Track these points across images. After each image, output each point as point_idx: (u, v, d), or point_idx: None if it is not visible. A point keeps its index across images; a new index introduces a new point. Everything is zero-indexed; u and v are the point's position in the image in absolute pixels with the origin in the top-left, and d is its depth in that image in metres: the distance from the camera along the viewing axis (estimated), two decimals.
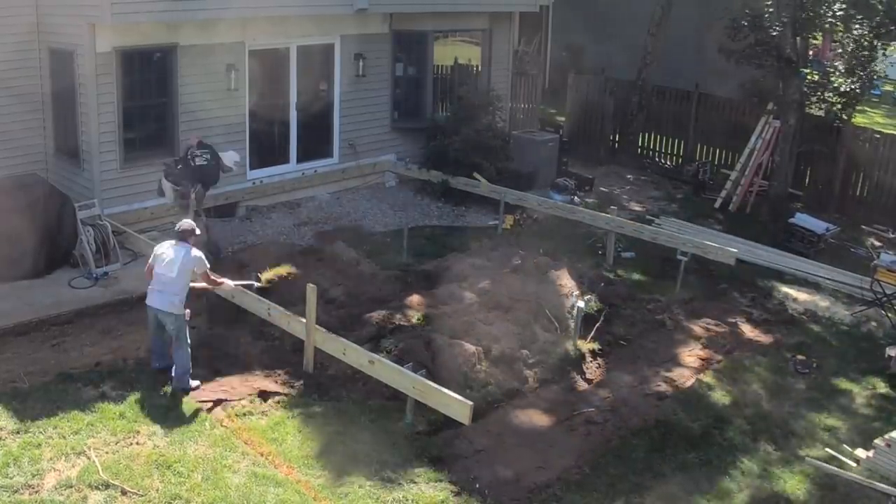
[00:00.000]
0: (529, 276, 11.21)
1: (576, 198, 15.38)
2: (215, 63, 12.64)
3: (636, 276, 12.47)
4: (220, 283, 9.10)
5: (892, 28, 15.12)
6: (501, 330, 9.79)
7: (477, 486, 7.62)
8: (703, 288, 12.19)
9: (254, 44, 13.19)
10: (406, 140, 15.58)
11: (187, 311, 8.61)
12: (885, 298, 11.53)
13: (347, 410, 8.55)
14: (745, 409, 9.24)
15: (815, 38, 18.25)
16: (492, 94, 15.99)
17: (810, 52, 18.19)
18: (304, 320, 9.02)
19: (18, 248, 10.35)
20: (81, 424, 7.81)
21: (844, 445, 8.69)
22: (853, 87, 15.85)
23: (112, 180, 11.91)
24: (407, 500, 7.32)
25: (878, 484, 7.95)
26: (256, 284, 10.03)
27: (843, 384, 9.95)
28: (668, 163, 18.61)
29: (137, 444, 7.66)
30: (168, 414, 8.15)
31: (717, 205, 16.05)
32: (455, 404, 7.84)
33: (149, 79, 12.22)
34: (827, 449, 8.63)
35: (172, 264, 8.45)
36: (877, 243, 14.47)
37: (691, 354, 10.32)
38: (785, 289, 12.44)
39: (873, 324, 11.52)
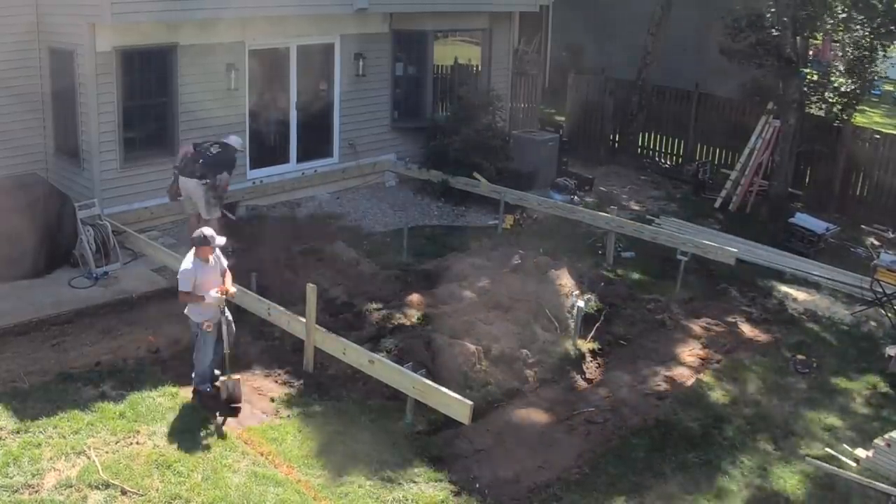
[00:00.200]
0: (529, 275, 11.21)
1: (575, 197, 15.38)
2: (215, 63, 12.64)
3: (636, 276, 12.47)
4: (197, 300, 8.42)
5: (893, 28, 15.11)
6: (501, 330, 9.79)
7: (477, 485, 7.62)
8: (703, 288, 12.19)
9: (254, 43, 13.19)
10: (406, 140, 15.58)
11: (205, 322, 8.29)
12: (885, 298, 11.53)
13: (347, 410, 8.55)
14: (745, 408, 9.24)
15: (815, 39, 18.23)
16: (492, 94, 15.99)
17: (810, 52, 18.18)
18: (304, 320, 9.03)
19: (18, 247, 10.35)
20: (81, 424, 7.81)
21: (844, 445, 8.69)
22: (853, 87, 15.84)
23: (112, 180, 11.91)
24: (407, 499, 7.33)
25: (877, 484, 7.95)
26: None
27: (843, 384, 9.95)
28: (668, 162, 18.61)
29: (137, 443, 7.66)
30: (168, 414, 8.16)
31: (717, 204, 16.05)
32: (455, 404, 7.85)
33: (149, 78, 12.22)
34: (827, 449, 8.63)
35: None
36: (876, 243, 14.46)
37: (691, 354, 10.32)
38: (785, 288, 12.44)
39: (873, 323, 11.52)
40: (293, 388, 8.91)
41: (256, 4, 12.49)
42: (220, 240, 8.42)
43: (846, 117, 16.18)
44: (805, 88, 15.87)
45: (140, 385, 8.55)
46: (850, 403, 9.57)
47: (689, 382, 9.69)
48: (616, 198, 16.11)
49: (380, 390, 8.75)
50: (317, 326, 9.01)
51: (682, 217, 15.07)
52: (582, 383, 9.56)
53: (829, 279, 12.72)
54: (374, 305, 10.36)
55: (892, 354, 10.39)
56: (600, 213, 13.31)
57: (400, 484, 7.49)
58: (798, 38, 15.38)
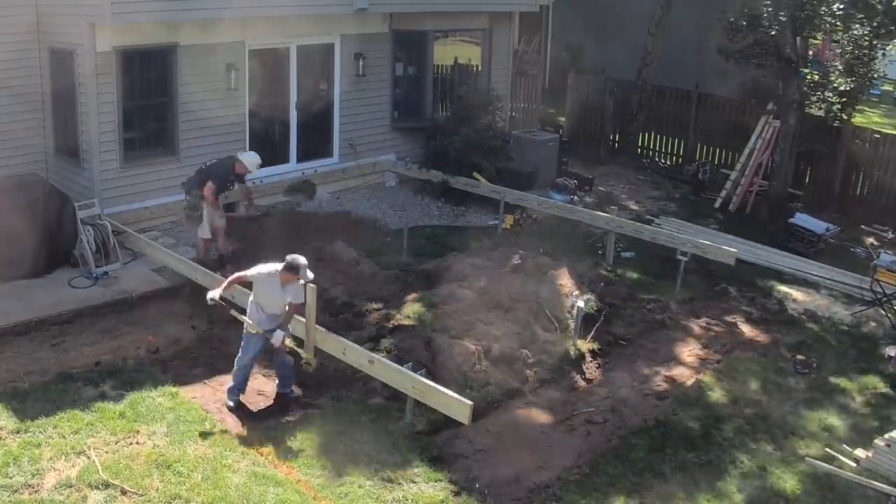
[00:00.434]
0: (529, 275, 11.21)
1: (575, 197, 15.38)
2: (215, 63, 12.64)
3: (636, 276, 12.47)
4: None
5: (892, 28, 15.12)
6: (501, 330, 9.79)
7: (477, 485, 7.62)
8: (703, 288, 12.19)
9: (254, 43, 13.19)
10: (406, 140, 15.58)
11: (257, 329, 8.31)
12: (884, 298, 11.53)
13: (347, 410, 8.55)
14: (745, 408, 9.24)
15: (815, 39, 18.24)
16: (492, 94, 15.98)
17: (810, 52, 18.18)
18: (303, 320, 9.03)
19: (18, 247, 10.35)
20: (81, 424, 7.81)
21: (844, 445, 8.69)
22: (853, 87, 15.84)
23: (112, 180, 11.91)
24: (406, 499, 7.33)
25: (877, 484, 7.95)
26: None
27: (843, 384, 9.95)
28: (668, 163, 18.60)
29: (137, 443, 7.66)
30: (168, 414, 8.15)
31: (716, 205, 16.05)
32: (455, 404, 7.85)
33: (149, 78, 12.22)
34: (826, 449, 8.63)
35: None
36: (876, 243, 14.46)
37: (691, 354, 10.32)
38: (785, 289, 12.45)
39: (873, 324, 11.52)
40: (293, 388, 8.91)
41: (256, 4, 12.49)
42: (310, 274, 8.24)
43: (846, 117, 16.18)
44: (805, 88, 15.87)
45: (140, 385, 8.55)
46: (850, 403, 9.57)
47: (689, 382, 9.69)
48: (616, 198, 16.11)
49: (380, 390, 8.75)
50: (317, 326, 9.01)
51: (681, 217, 15.08)
52: (582, 383, 9.57)
53: (828, 279, 12.72)
54: (374, 305, 10.36)
55: (892, 355, 10.39)
56: (600, 214, 13.31)
57: (400, 484, 7.49)
58: (797, 37, 15.38)
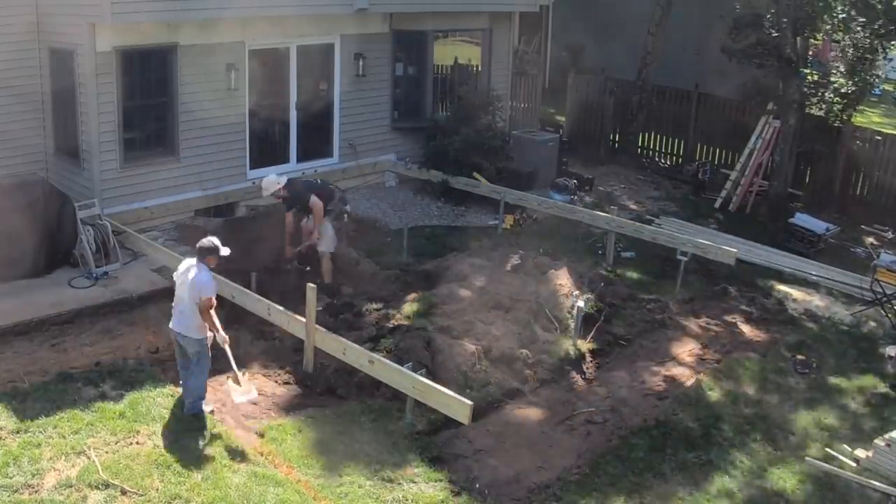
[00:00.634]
0: (529, 275, 11.22)
1: (575, 197, 15.38)
2: (215, 63, 12.64)
3: (636, 276, 12.47)
4: (213, 325, 8.03)
5: (892, 28, 15.11)
6: (501, 330, 9.80)
7: (477, 485, 7.62)
8: (703, 288, 12.19)
9: (254, 43, 13.19)
10: (406, 140, 15.58)
11: (210, 335, 8.05)
12: (884, 298, 11.53)
13: (347, 410, 8.55)
14: (745, 408, 9.25)
15: (815, 39, 18.24)
16: (492, 94, 15.98)
17: (810, 53, 18.18)
18: (303, 320, 9.03)
19: (18, 247, 10.34)
20: (81, 424, 7.81)
21: (844, 445, 8.69)
22: (853, 88, 15.83)
23: (112, 180, 11.90)
24: (407, 499, 7.33)
25: (877, 484, 7.95)
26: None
27: (843, 384, 9.95)
28: (668, 163, 18.60)
29: (137, 443, 7.66)
30: (168, 414, 8.15)
31: (716, 205, 16.05)
32: (455, 404, 7.85)
33: (149, 78, 12.22)
34: (826, 449, 8.63)
35: (185, 285, 7.95)
36: (875, 243, 14.46)
37: (691, 354, 10.32)
38: (785, 289, 12.45)
39: (873, 324, 11.52)
40: (293, 388, 8.91)
41: (256, 4, 12.49)
42: (225, 250, 8.05)
43: (846, 118, 16.18)
44: (805, 88, 15.86)
45: (140, 385, 8.55)
46: (850, 403, 9.57)
47: (689, 382, 9.69)
48: (616, 198, 16.11)
49: (380, 390, 8.75)
50: (317, 326, 9.02)
51: (681, 217, 15.08)
52: (582, 383, 9.56)
53: (828, 279, 12.73)
54: (374, 305, 10.36)
55: (892, 354, 10.39)
56: (600, 214, 13.31)
57: (400, 484, 7.50)
58: (798, 38, 15.38)
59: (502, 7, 16.36)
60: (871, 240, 14.75)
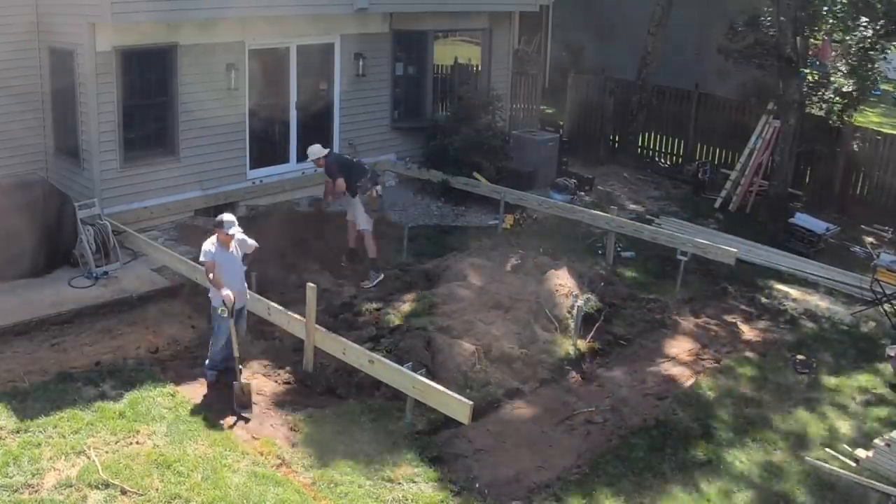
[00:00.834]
0: (529, 275, 11.22)
1: (575, 197, 15.37)
2: (215, 62, 12.63)
3: (636, 276, 12.47)
4: (216, 284, 8.50)
5: (893, 28, 15.10)
6: (501, 329, 9.79)
7: (477, 485, 7.62)
8: (703, 288, 12.19)
9: (254, 43, 13.18)
10: (406, 139, 15.58)
11: (222, 308, 8.38)
12: (884, 298, 11.53)
13: (347, 410, 8.55)
14: (745, 408, 9.24)
15: (815, 39, 18.23)
16: (492, 94, 15.98)
17: (810, 53, 18.17)
18: (303, 320, 9.03)
19: (18, 247, 10.34)
20: (81, 424, 7.81)
21: (844, 445, 8.69)
22: (854, 88, 15.83)
23: (112, 180, 11.90)
24: (407, 499, 7.33)
25: (877, 484, 7.95)
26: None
27: (843, 384, 9.95)
28: (668, 162, 18.60)
29: (137, 443, 7.67)
30: (168, 414, 8.16)
31: (716, 204, 16.05)
32: (455, 404, 7.85)
33: (149, 78, 12.22)
34: (827, 449, 8.63)
35: None
36: (875, 243, 14.46)
37: (691, 354, 10.32)
38: (784, 288, 12.45)
39: (873, 324, 11.52)
40: (293, 388, 8.91)
41: (256, 4, 12.49)
42: (238, 230, 8.51)
43: (846, 118, 16.18)
44: (805, 88, 15.86)
45: (140, 385, 8.55)
46: (850, 403, 9.57)
47: (689, 382, 9.69)
48: (616, 198, 16.11)
49: (380, 390, 8.74)
50: (317, 326, 9.02)
51: (681, 217, 15.08)
52: (582, 383, 9.56)
53: (828, 279, 12.72)
54: (374, 305, 10.36)
55: (892, 354, 10.38)
56: (600, 213, 13.31)
57: (400, 484, 7.50)
58: (798, 38, 15.38)
59: (502, 7, 16.36)
60: (870, 240, 14.75)
